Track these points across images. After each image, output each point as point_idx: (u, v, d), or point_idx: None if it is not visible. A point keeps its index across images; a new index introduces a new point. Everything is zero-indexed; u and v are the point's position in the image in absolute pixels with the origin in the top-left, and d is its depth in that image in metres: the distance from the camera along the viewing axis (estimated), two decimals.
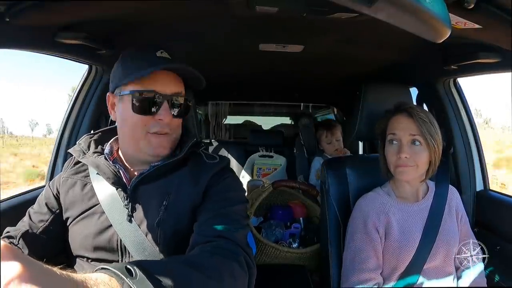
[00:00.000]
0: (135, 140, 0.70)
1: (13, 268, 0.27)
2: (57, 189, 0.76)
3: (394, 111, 0.95)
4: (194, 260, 0.54)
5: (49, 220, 0.74)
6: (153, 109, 0.67)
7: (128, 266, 0.43)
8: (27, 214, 0.76)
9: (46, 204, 0.75)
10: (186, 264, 0.51)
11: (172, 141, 0.72)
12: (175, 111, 0.69)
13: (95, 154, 0.73)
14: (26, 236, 0.71)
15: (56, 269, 0.32)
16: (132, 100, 0.67)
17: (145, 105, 0.67)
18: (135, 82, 0.67)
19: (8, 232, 0.72)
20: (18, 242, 0.70)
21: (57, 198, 0.75)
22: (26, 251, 0.70)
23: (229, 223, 0.64)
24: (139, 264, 0.44)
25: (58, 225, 0.73)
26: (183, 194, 0.69)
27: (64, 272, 0.33)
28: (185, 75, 0.72)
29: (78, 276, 0.35)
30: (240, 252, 0.60)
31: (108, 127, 0.84)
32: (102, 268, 0.42)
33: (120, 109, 0.71)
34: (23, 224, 0.74)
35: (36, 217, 0.74)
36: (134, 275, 0.42)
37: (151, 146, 0.69)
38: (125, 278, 0.40)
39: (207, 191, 0.70)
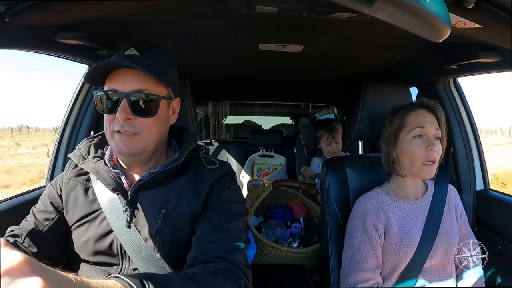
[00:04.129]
0: (108, 140, 0.70)
1: (33, 283, 0.27)
2: (60, 188, 0.76)
3: (413, 106, 0.93)
4: (199, 278, 0.55)
5: (55, 219, 0.73)
6: (113, 108, 0.66)
7: (142, 280, 0.45)
8: (31, 213, 0.75)
9: (52, 203, 0.75)
10: (192, 281, 0.53)
11: (143, 142, 0.68)
12: (139, 109, 0.66)
13: (95, 159, 0.73)
14: (33, 234, 0.70)
15: (72, 277, 0.32)
16: (95, 100, 0.69)
17: (105, 104, 0.67)
18: (106, 82, 0.68)
19: (12, 231, 0.71)
20: (23, 240, 0.69)
21: (61, 197, 0.75)
22: (33, 250, 0.69)
23: (229, 242, 0.65)
24: (151, 277, 0.46)
25: (63, 224, 0.73)
26: (183, 203, 0.69)
27: (79, 279, 0.33)
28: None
29: (93, 282, 0.36)
30: (241, 275, 0.61)
31: None
32: (116, 276, 0.44)
33: None
34: (28, 223, 0.73)
35: (41, 215, 0.74)
36: None
37: (115, 144, 0.67)
38: None
39: (207, 200, 0.70)
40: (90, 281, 0.35)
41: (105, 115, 0.69)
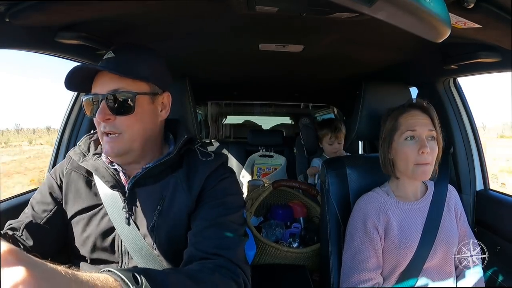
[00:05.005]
0: (101, 141, 0.71)
1: (17, 273, 0.26)
2: (60, 179, 0.75)
3: (405, 108, 0.93)
4: (196, 275, 0.55)
5: (53, 211, 0.73)
6: (96, 110, 0.67)
7: (136, 274, 0.44)
8: (29, 205, 0.75)
9: (50, 194, 0.74)
10: (189, 278, 0.52)
11: (126, 141, 0.68)
12: (117, 109, 0.66)
13: (95, 156, 0.73)
14: (30, 226, 0.70)
15: (60, 269, 0.32)
16: (83, 106, 0.70)
17: (90, 108, 0.69)
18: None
19: (10, 224, 0.71)
20: (21, 233, 0.69)
21: (60, 187, 0.75)
22: (30, 242, 0.69)
23: (227, 236, 0.64)
24: (145, 272, 0.46)
25: (62, 216, 0.73)
26: (178, 199, 0.68)
27: (69, 271, 0.32)
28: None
29: (84, 275, 0.35)
30: (240, 273, 0.61)
31: None
32: (109, 270, 0.43)
33: None
34: (26, 216, 0.73)
35: (39, 207, 0.73)
36: (140, 283, 0.43)
37: (103, 146, 0.69)
38: (131, 286, 0.41)
39: (201, 193, 0.69)
40: (80, 273, 0.34)
41: (93, 118, 0.70)
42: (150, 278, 0.45)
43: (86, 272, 0.36)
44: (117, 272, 0.42)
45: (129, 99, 0.67)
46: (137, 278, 0.43)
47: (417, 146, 0.88)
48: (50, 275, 0.30)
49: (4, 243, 0.27)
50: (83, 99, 0.70)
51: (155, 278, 0.46)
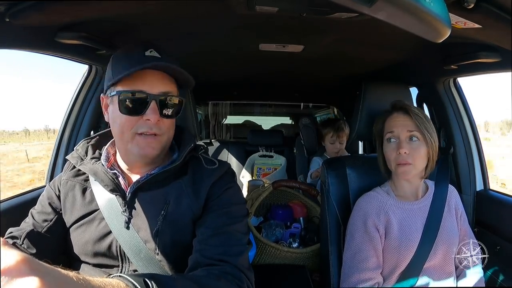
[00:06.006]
0: (123, 142, 0.68)
1: (31, 283, 0.26)
2: (58, 189, 0.76)
3: (390, 111, 0.97)
4: (202, 281, 0.55)
5: (53, 220, 0.73)
6: (141, 109, 0.65)
7: (146, 279, 0.45)
8: (29, 215, 0.75)
9: (50, 204, 0.75)
10: (195, 283, 0.53)
11: (163, 143, 0.69)
12: (165, 111, 0.67)
13: (93, 160, 0.73)
14: (31, 235, 0.70)
15: (72, 275, 0.32)
16: (119, 101, 0.65)
17: (132, 105, 0.65)
18: (124, 82, 0.65)
19: (11, 232, 0.71)
20: (22, 242, 0.69)
21: (59, 197, 0.75)
22: (33, 251, 0.69)
23: (231, 244, 0.64)
24: (154, 277, 0.47)
25: (62, 225, 0.73)
26: (182, 204, 0.68)
27: (81, 277, 0.33)
28: (175, 74, 0.69)
29: (95, 281, 0.35)
30: (244, 279, 0.61)
31: (105, 130, 0.82)
32: (120, 276, 0.44)
33: (110, 110, 0.70)
34: (27, 225, 0.73)
35: (40, 217, 0.74)
36: None
37: (138, 147, 0.66)
38: None
39: (207, 201, 0.69)
40: (92, 279, 0.35)
41: (123, 116, 0.66)
42: (158, 283, 0.46)
43: (97, 278, 0.37)
44: (128, 278, 0.43)
45: (179, 104, 0.69)
46: (148, 283, 0.45)
47: (396, 147, 0.90)
48: (63, 282, 0.30)
49: (16, 252, 0.27)
50: (121, 94, 0.65)
51: (163, 283, 0.47)
